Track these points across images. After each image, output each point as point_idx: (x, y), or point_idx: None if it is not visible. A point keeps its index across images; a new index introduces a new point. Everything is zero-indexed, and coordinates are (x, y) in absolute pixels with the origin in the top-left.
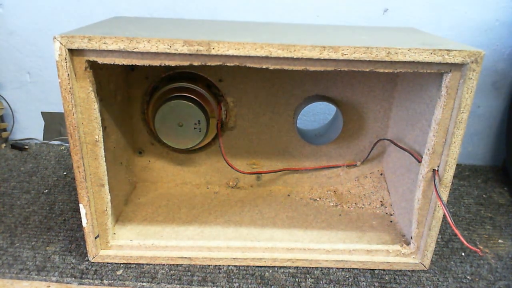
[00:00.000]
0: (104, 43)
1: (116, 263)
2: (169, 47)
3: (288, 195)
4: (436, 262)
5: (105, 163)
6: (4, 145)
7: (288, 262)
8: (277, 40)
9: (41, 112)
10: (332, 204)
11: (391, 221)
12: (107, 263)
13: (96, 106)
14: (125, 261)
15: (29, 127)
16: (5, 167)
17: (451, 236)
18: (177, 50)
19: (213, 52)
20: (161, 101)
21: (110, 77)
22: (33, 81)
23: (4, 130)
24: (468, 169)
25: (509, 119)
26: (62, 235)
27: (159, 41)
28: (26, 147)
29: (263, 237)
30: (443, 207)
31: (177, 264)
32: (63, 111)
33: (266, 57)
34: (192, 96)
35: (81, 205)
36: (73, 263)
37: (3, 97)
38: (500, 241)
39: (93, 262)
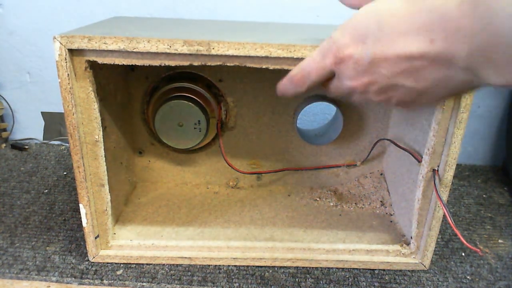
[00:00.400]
0: (104, 43)
1: (116, 263)
2: (169, 47)
3: (288, 195)
4: (436, 262)
5: (105, 163)
6: (4, 145)
7: (288, 262)
8: (277, 40)
9: (41, 112)
10: (332, 204)
11: (391, 221)
12: (107, 263)
13: (96, 106)
14: (125, 261)
15: (29, 127)
16: (5, 167)
17: (451, 236)
18: (177, 50)
19: (213, 52)
20: (161, 101)
21: (110, 77)
22: (33, 81)
23: (4, 130)
24: (468, 169)
25: (509, 119)
26: (62, 235)
27: (159, 41)
28: (26, 147)
29: (263, 237)
30: (443, 207)
31: (177, 264)
32: (63, 111)
33: (266, 57)
34: (192, 96)
35: (81, 205)
36: (73, 263)
37: (3, 97)
38: (500, 241)
39: (93, 262)
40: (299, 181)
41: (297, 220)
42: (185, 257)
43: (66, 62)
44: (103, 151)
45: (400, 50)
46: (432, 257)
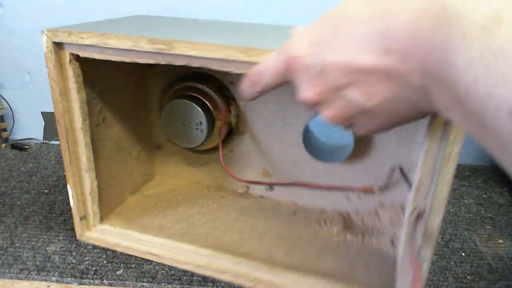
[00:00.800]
0: (81, 37)
1: (106, 252)
2: (135, 44)
3: (293, 213)
4: (436, 262)
5: (91, 151)
6: (4, 145)
7: (251, 283)
8: (259, 43)
9: (41, 112)
10: (335, 231)
11: (395, 264)
12: (94, 247)
13: (78, 96)
14: (104, 245)
15: (29, 127)
16: (5, 167)
17: (451, 236)
18: (142, 47)
19: (175, 51)
20: (169, 99)
21: (117, 72)
22: (33, 81)
23: (4, 130)
24: (468, 169)
25: None
26: (62, 235)
27: (126, 38)
28: (26, 147)
29: (240, 251)
30: (416, 270)
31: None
32: None
33: (226, 60)
34: (198, 96)
35: (68, 186)
36: (73, 263)
37: (3, 97)
38: (500, 241)
39: (93, 262)
40: (311, 199)
41: (285, 241)
42: (154, 254)
43: (52, 54)
44: (89, 139)
45: (352, 59)
46: (432, 257)
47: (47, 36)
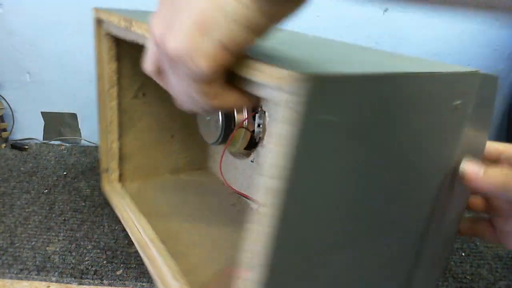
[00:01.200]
0: (103, 15)
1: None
2: (118, 22)
3: None
4: None
5: (116, 115)
6: (4, 145)
7: (156, 277)
8: None
9: (41, 112)
10: None
11: None
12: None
13: (108, 66)
14: (108, 200)
15: (29, 127)
16: (5, 167)
17: None
18: (121, 25)
19: (134, 30)
20: None
21: None
22: (33, 81)
23: (4, 130)
24: None
25: (509, 118)
26: (62, 235)
27: (116, 16)
28: (26, 147)
29: (181, 252)
30: None
31: None
32: (63, 111)
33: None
34: None
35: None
36: (73, 263)
37: (3, 97)
38: None
39: (93, 262)
40: None
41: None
42: (125, 220)
43: (95, 28)
44: (115, 104)
45: None
46: None
47: (93, 13)
